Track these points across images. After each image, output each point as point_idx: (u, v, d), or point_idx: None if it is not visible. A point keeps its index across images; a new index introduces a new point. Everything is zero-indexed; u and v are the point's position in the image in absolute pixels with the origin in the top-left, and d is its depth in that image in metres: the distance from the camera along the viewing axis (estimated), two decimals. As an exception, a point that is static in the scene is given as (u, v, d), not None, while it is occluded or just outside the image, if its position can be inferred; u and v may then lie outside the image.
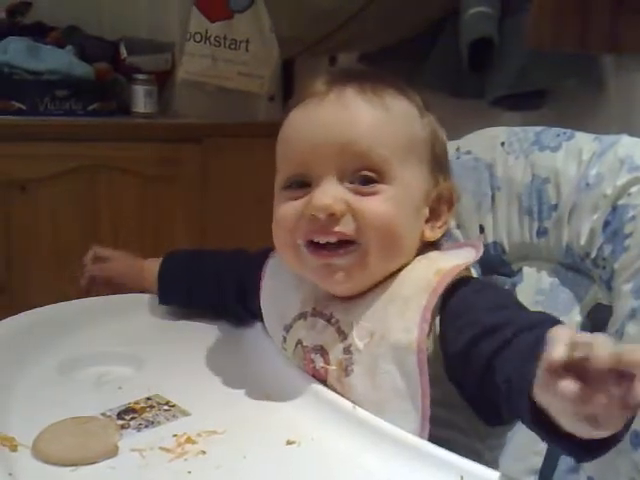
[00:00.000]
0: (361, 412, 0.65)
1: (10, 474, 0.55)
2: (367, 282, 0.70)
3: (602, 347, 0.45)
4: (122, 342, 0.86)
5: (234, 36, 2.09)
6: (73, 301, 0.92)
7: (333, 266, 0.68)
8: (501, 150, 0.88)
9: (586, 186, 0.80)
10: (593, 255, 0.79)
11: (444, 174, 0.74)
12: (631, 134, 0.83)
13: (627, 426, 0.49)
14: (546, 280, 0.85)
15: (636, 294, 0.72)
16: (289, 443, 0.63)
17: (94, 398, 0.71)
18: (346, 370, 0.68)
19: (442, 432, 0.64)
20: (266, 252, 0.82)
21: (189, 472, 0.58)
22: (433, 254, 0.72)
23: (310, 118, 0.70)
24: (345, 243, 0.68)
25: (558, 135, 0.85)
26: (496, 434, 0.71)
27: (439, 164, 0.74)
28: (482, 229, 0.89)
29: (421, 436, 0.63)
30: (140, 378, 0.76)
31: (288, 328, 0.75)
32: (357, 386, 0.67)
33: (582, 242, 0.80)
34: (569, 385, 0.45)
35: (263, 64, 2.08)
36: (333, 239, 0.67)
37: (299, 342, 0.72)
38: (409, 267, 0.70)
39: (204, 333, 0.88)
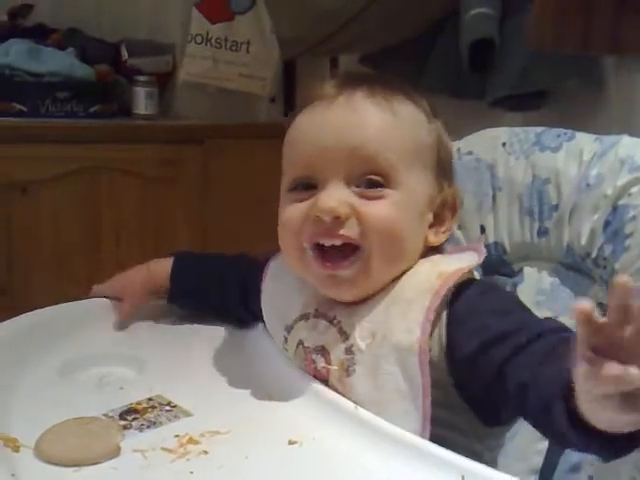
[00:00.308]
0: (363, 412, 0.65)
1: (13, 475, 0.55)
2: (371, 288, 0.70)
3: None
4: (123, 343, 0.86)
5: (235, 37, 2.10)
6: (74, 302, 0.91)
7: (338, 278, 0.68)
8: (502, 151, 0.89)
9: (587, 186, 0.80)
10: (594, 255, 0.79)
11: (448, 180, 0.75)
12: (632, 134, 0.83)
13: None
14: (547, 280, 0.85)
15: (637, 294, 0.72)
16: (291, 443, 0.63)
17: (96, 399, 0.71)
18: (347, 370, 0.68)
19: (442, 432, 0.64)
20: (269, 255, 0.82)
21: (191, 472, 0.58)
22: (436, 257, 0.72)
23: (319, 121, 0.70)
24: (349, 250, 0.68)
25: (559, 136, 0.85)
26: (495, 434, 0.72)
27: (444, 170, 0.74)
28: (483, 229, 0.90)
29: (422, 436, 0.63)
30: (142, 379, 0.76)
31: (289, 329, 0.75)
32: (358, 386, 0.67)
33: (583, 242, 0.80)
34: (613, 366, 0.45)
35: (264, 65, 2.08)
36: (338, 242, 0.67)
37: (300, 343, 0.73)
38: (412, 270, 0.70)
39: (205, 334, 0.88)
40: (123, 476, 0.58)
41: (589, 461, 0.78)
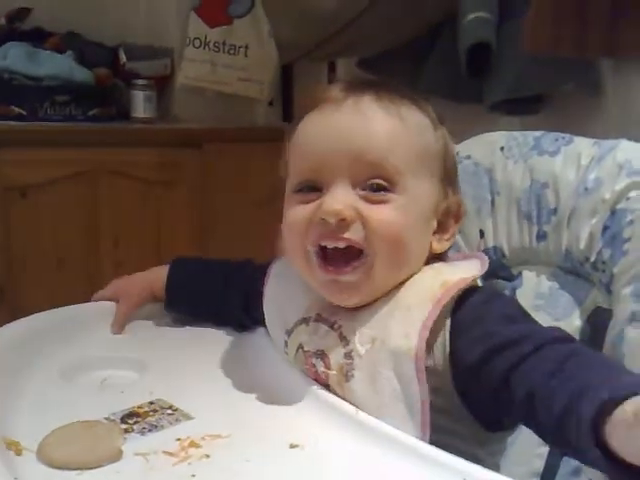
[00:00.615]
0: (364, 416, 0.65)
1: (16, 478, 0.55)
2: (374, 294, 0.70)
3: None
4: (125, 346, 0.87)
5: (233, 41, 2.10)
6: (75, 306, 0.92)
7: (341, 283, 0.68)
8: (500, 155, 0.89)
9: (585, 190, 0.81)
10: (592, 259, 0.79)
11: (453, 187, 0.75)
12: (628, 138, 0.83)
13: None
14: (546, 284, 0.85)
15: (636, 298, 0.73)
16: (292, 447, 0.63)
17: (98, 402, 0.71)
18: (346, 375, 0.68)
19: (443, 438, 0.64)
20: (272, 261, 0.83)
21: (193, 476, 0.58)
22: (439, 265, 0.72)
23: (326, 123, 0.70)
24: (352, 255, 0.68)
25: (557, 140, 0.86)
26: (496, 439, 0.72)
27: (449, 177, 0.74)
28: (482, 234, 0.90)
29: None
30: (143, 382, 0.76)
31: (290, 332, 0.75)
32: (357, 391, 0.67)
33: (581, 246, 0.80)
34: None
35: (262, 69, 2.09)
36: (342, 245, 0.67)
37: (300, 346, 0.73)
38: (415, 277, 0.71)
39: (207, 338, 0.89)
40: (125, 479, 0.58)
41: (590, 465, 0.79)
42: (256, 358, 0.80)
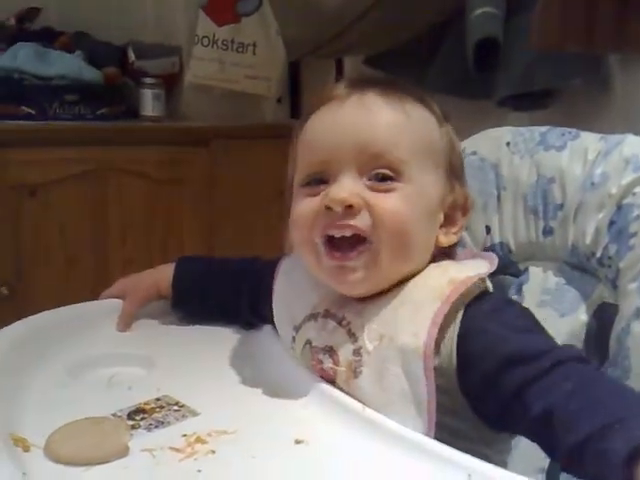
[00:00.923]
0: (370, 412, 0.66)
1: (24, 473, 0.56)
2: (381, 283, 0.70)
3: None
4: (131, 344, 0.87)
5: (241, 39, 2.11)
6: (82, 304, 0.92)
7: (347, 268, 0.69)
8: (506, 150, 0.89)
9: (591, 185, 0.80)
10: (599, 254, 0.79)
11: (460, 181, 0.75)
12: (636, 133, 0.83)
13: None
14: (552, 279, 0.85)
15: (642, 293, 0.73)
16: (298, 442, 0.63)
17: (105, 399, 0.71)
18: (355, 372, 0.68)
19: (448, 438, 0.63)
20: (280, 259, 0.83)
21: (199, 471, 0.58)
22: (446, 263, 0.72)
23: (332, 119, 0.71)
24: (358, 243, 0.68)
25: (563, 135, 0.85)
26: (502, 439, 0.72)
27: (455, 172, 0.75)
28: (489, 229, 0.90)
29: None
30: (150, 379, 0.77)
31: (298, 328, 0.75)
32: (365, 388, 0.67)
33: (588, 241, 0.80)
34: None
35: (270, 67, 2.09)
36: (348, 233, 0.68)
37: (308, 342, 0.73)
38: (423, 273, 0.71)
39: (213, 335, 0.89)
40: (132, 475, 0.58)
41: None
42: (262, 355, 0.81)
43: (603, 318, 0.80)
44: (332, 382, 0.70)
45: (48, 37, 2.14)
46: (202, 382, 0.76)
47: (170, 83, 2.23)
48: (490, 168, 0.89)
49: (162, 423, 0.66)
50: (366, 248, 0.68)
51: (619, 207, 0.78)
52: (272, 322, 0.82)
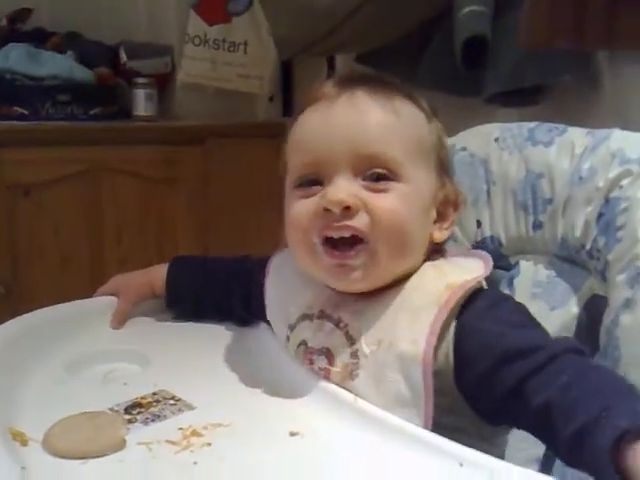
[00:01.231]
0: (362, 403, 0.67)
1: (23, 467, 0.57)
2: (380, 280, 0.70)
3: None
4: (128, 340, 0.88)
5: (232, 38, 2.11)
6: (78, 301, 0.92)
7: (347, 266, 0.69)
8: (495, 146, 0.90)
9: (579, 179, 0.81)
10: (588, 247, 0.80)
11: (449, 177, 0.77)
12: (626, 128, 0.83)
13: None
14: (543, 272, 0.86)
15: (629, 284, 0.74)
16: (292, 434, 0.64)
17: (102, 394, 0.72)
18: (351, 374, 0.69)
19: (446, 436, 0.64)
20: (271, 256, 0.83)
21: (195, 463, 0.59)
22: (441, 263, 0.73)
23: (323, 119, 0.71)
24: (356, 242, 0.68)
25: (551, 130, 0.86)
26: (500, 432, 0.73)
27: (444, 167, 0.76)
28: (479, 224, 0.91)
29: None
30: (146, 375, 0.78)
31: (292, 328, 0.75)
32: (361, 390, 0.68)
33: (577, 234, 0.81)
34: None
35: (262, 65, 2.10)
36: (347, 234, 0.68)
37: (303, 342, 0.73)
38: (419, 274, 0.71)
39: (208, 331, 0.90)
40: (128, 468, 0.59)
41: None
42: (257, 350, 0.81)
43: (593, 310, 0.81)
44: None
45: (40, 38, 2.14)
46: (198, 377, 0.77)
47: (162, 83, 2.23)
48: (480, 164, 0.91)
49: (158, 417, 0.67)
50: (364, 248, 0.68)
51: (607, 200, 0.78)
52: (265, 319, 0.83)
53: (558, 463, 0.81)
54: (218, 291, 0.92)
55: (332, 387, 0.69)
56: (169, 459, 0.60)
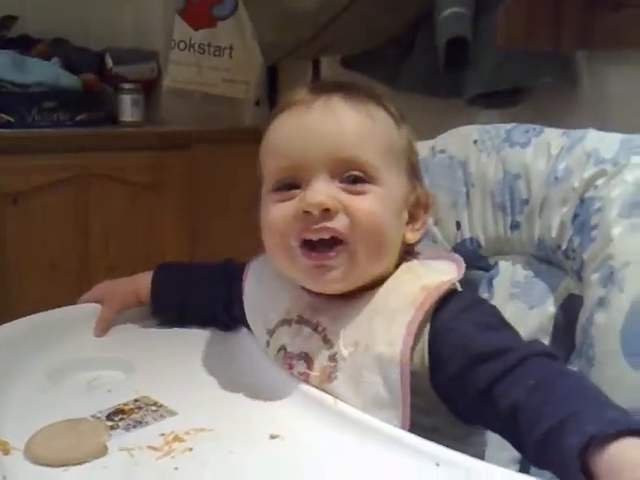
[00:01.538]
0: (342, 405, 0.67)
1: (4, 476, 0.57)
2: (358, 281, 0.71)
3: None
4: (112, 347, 0.88)
5: (218, 43, 2.11)
6: (62, 308, 0.92)
7: (326, 267, 0.70)
8: (474, 148, 0.91)
9: (555, 180, 0.82)
10: (564, 247, 0.81)
11: (420, 180, 0.79)
12: (605, 128, 0.84)
13: None
14: (521, 273, 0.87)
15: (603, 283, 0.74)
16: (273, 437, 0.65)
17: (84, 402, 0.72)
18: (329, 377, 0.69)
19: (423, 436, 0.64)
20: (248, 262, 0.84)
21: (176, 469, 0.60)
22: (415, 265, 0.74)
23: (298, 123, 0.72)
24: (335, 244, 0.69)
25: (527, 131, 0.87)
26: (478, 432, 0.73)
27: (415, 171, 0.77)
28: (459, 225, 0.92)
29: None
30: (129, 382, 0.78)
31: (271, 332, 0.76)
32: (339, 393, 0.69)
33: (553, 234, 0.82)
34: None
35: (247, 70, 2.10)
36: (326, 235, 0.69)
37: (282, 347, 0.74)
38: (394, 276, 0.72)
39: (190, 337, 0.90)
40: (110, 474, 0.60)
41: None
42: (239, 355, 0.82)
43: (570, 309, 0.82)
44: None
45: (25, 45, 2.14)
46: (180, 383, 0.77)
47: (148, 88, 2.23)
48: (458, 166, 0.91)
49: (140, 423, 0.68)
50: (344, 249, 0.69)
51: (582, 200, 0.79)
52: (246, 324, 0.83)
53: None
54: (202, 297, 0.92)
55: (312, 390, 0.70)
56: (150, 465, 0.61)
